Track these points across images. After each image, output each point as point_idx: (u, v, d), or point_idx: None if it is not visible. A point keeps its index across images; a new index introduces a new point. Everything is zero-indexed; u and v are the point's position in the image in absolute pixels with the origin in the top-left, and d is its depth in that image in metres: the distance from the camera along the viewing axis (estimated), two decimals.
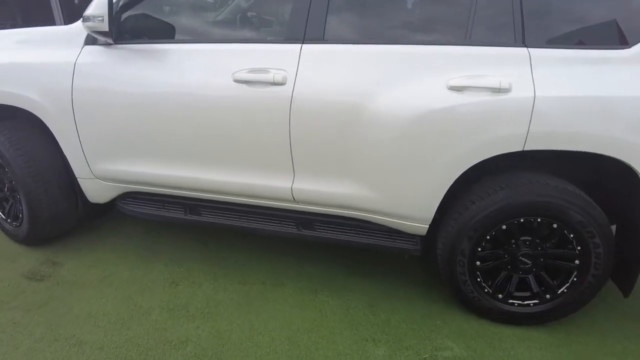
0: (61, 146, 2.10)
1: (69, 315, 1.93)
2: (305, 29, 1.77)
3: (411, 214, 1.86)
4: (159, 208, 2.19)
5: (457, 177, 1.74)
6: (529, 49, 1.63)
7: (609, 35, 1.62)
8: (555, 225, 1.75)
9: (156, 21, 1.92)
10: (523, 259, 1.84)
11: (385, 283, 2.20)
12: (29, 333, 1.82)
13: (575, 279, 1.83)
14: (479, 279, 1.90)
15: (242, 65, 1.79)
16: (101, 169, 2.12)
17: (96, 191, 2.22)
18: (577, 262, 1.80)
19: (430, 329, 1.91)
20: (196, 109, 1.86)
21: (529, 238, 1.82)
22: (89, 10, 1.71)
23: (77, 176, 2.18)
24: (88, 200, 2.28)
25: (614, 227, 1.90)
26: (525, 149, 1.64)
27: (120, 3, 1.88)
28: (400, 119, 1.69)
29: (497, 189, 1.75)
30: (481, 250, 1.85)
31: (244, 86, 1.79)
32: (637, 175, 1.62)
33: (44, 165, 2.16)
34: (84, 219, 2.52)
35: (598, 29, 1.64)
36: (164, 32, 1.95)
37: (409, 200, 1.83)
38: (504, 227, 1.79)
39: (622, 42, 1.59)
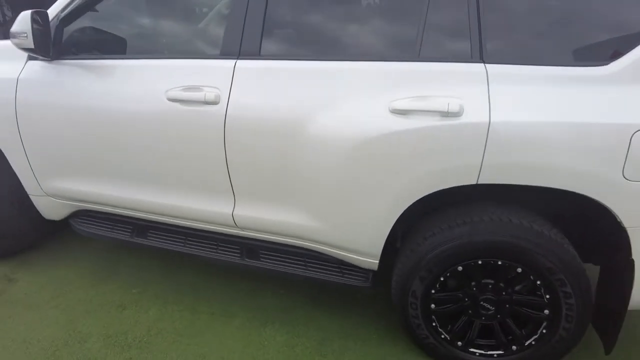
0: (10, 162, 2.05)
1: (5, 340, 1.87)
2: (241, 44, 1.62)
3: (356, 247, 1.68)
4: (109, 228, 2.10)
5: (402, 210, 1.54)
6: (487, 65, 1.41)
7: (584, 51, 1.38)
8: (519, 270, 1.51)
9: (96, 36, 1.84)
10: (485, 304, 1.61)
11: (347, 319, 2.02)
12: None
13: (544, 331, 1.58)
14: (434, 324, 1.68)
15: (175, 82, 1.67)
16: (50, 187, 2.06)
17: (48, 208, 2.17)
18: (546, 311, 1.55)
19: None
20: (130, 128, 1.76)
21: (492, 281, 1.59)
22: (14, 27, 1.64)
23: (28, 193, 2.13)
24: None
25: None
26: (480, 182, 1.42)
27: (60, 17, 1.80)
28: (338, 144, 1.51)
29: (453, 225, 1.53)
30: (435, 292, 1.63)
31: (178, 105, 1.67)
32: (614, 216, 1.37)
33: None
34: (45, 234, 2.49)
35: (570, 43, 1.40)
36: (104, 47, 1.86)
37: (353, 232, 1.64)
38: (459, 268, 1.56)
39: (598, 58, 1.34)
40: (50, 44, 1.77)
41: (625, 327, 1.91)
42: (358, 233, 1.64)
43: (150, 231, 2.06)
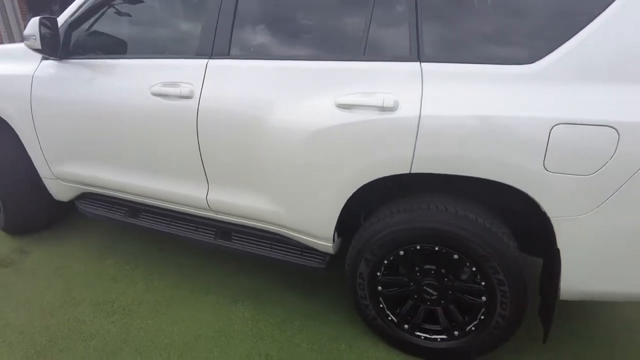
0: (26, 148, 2.35)
1: (12, 300, 2.15)
2: (213, 45, 1.83)
3: (309, 230, 1.82)
4: (107, 210, 2.36)
5: (348, 196, 1.68)
6: (422, 63, 1.53)
7: (511, 51, 1.48)
8: (456, 257, 1.61)
9: (97, 38, 2.10)
10: (428, 289, 1.72)
11: (313, 300, 2.16)
12: None
13: (482, 317, 1.67)
14: (381, 305, 1.80)
15: (158, 79, 1.89)
16: (58, 170, 2.34)
17: (57, 190, 2.45)
18: (483, 298, 1.64)
19: (330, 352, 1.85)
20: (120, 119, 2.00)
21: (434, 267, 1.69)
22: (25, 30, 1.92)
23: (41, 176, 2.43)
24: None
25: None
26: (413, 171, 1.54)
27: (69, 22, 2.08)
28: (292, 136, 1.68)
29: (394, 212, 1.66)
30: (381, 275, 1.75)
31: (160, 99, 1.89)
32: (538, 205, 1.45)
33: (16, 164, 2.43)
34: (57, 214, 2.79)
35: (499, 44, 1.50)
36: (103, 48, 2.12)
37: (307, 216, 1.79)
38: (401, 252, 1.68)
39: (523, 58, 1.44)
40: (58, 46, 2.06)
41: (566, 318, 1.98)
42: (311, 217, 1.79)
43: (142, 213, 2.30)
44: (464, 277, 1.68)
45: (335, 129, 1.60)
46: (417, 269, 1.72)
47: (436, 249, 1.63)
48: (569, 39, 1.37)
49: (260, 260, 2.32)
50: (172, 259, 2.52)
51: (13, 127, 2.33)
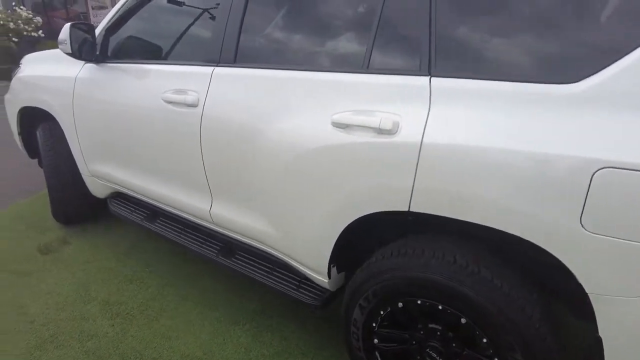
0: (69, 145, 2.49)
1: (36, 288, 2.27)
2: (221, 52, 1.72)
3: (304, 260, 1.63)
4: (130, 211, 2.40)
5: (341, 229, 1.45)
6: (432, 78, 1.25)
7: (548, 65, 1.14)
8: (463, 321, 1.30)
9: (125, 43, 2.14)
10: (432, 352, 1.42)
11: (316, 336, 1.96)
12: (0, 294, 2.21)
13: None
14: None
15: (170, 85, 1.85)
16: (93, 168, 2.44)
17: (93, 187, 2.56)
18: None
19: None
20: (139, 124, 2.00)
21: (439, 328, 1.39)
22: (60, 35, 2.01)
23: (80, 172, 2.55)
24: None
25: None
26: (412, 209, 1.27)
27: (106, 26, 2.15)
28: (284, 153, 1.51)
29: (392, 254, 1.39)
30: (377, 326, 1.49)
31: (170, 106, 1.84)
32: (564, 266, 1.10)
33: (62, 159, 2.59)
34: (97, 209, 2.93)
35: (534, 57, 1.17)
36: (130, 53, 2.15)
37: (299, 243, 1.61)
38: (400, 304, 1.41)
39: (564, 75, 1.09)
40: (94, 50, 2.13)
41: None
42: (303, 245, 1.59)
43: (160, 218, 2.28)
44: (473, 347, 1.34)
45: (328, 150, 1.39)
46: (420, 326, 1.42)
47: (439, 307, 1.32)
48: (628, 52, 1.00)
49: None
50: (190, 267, 2.49)
51: (60, 124, 2.47)
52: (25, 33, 10.05)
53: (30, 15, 10.26)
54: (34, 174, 3.92)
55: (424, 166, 1.21)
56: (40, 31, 10.36)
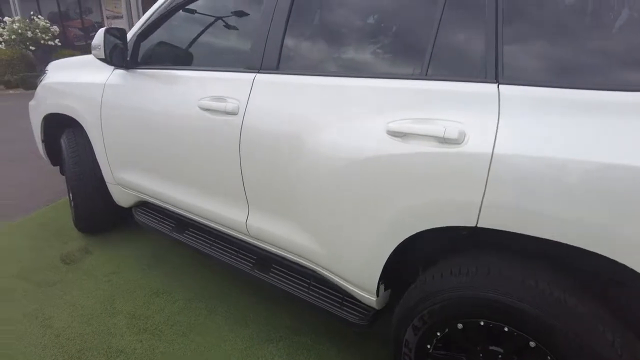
0: (95, 152, 2.43)
1: (60, 300, 2.19)
2: (263, 58, 1.66)
3: (351, 278, 1.54)
4: (157, 221, 2.32)
5: (395, 245, 1.36)
6: (501, 85, 1.18)
7: (635, 70, 1.06)
8: (532, 345, 1.20)
9: (157, 49, 2.09)
10: None
11: (354, 357, 1.86)
12: (24, 306, 2.14)
13: None
14: None
15: (207, 92, 1.79)
16: (119, 176, 2.38)
17: (119, 196, 2.50)
18: None
19: None
20: (171, 131, 1.93)
21: (501, 350, 1.29)
22: (93, 40, 1.96)
23: (105, 180, 2.49)
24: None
25: None
26: (480, 225, 1.18)
27: (137, 32, 2.10)
28: (332, 163, 1.43)
29: (452, 273, 1.30)
30: (432, 348, 1.39)
31: (207, 113, 1.78)
32: None
33: (87, 167, 2.53)
34: (120, 218, 2.86)
35: (616, 60, 1.09)
36: (162, 59, 2.10)
37: (346, 259, 1.52)
38: (459, 325, 1.31)
39: None
40: (125, 56, 2.08)
41: None
42: (350, 261, 1.50)
43: (189, 229, 2.21)
44: None
45: (383, 160, 1.31)
46: (479, 348, 1.33)
47: (505, 329, 1.23)
48: None
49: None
50: (216, 279, 2.40)
51: (86, 131, 2.42)
52: (42, 42, 10.16)
53: (48, 24, 10.38)
54: (55, 181, 3.89)
55: (496, 178, 1.13)
56: (57, 40, 10.48)
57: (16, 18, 10.26)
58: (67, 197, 3.24)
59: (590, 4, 1.13)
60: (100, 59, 2.01)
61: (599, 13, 1.12)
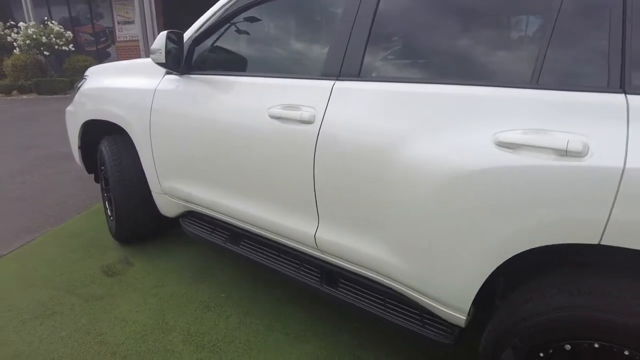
0: (141, 160, 2.36)
1: (110, 314, 2.11)
2: (342, 64, 1.59)
3: (439, 296, 1.46)
4: (209, 232, 2.25)
5: (499, 262, 1.28)
6: (629, 96, 1.11)
7: None
8: None
9: (216, 54, 2.02)
10: None
11: None
12: (74, 321, 2.06)
13: None
14: None
15: (277, 100, 1.72)
16: (167, 186, 2.30)
17: (165, 206, 2.42)
18: None
19: None
20: (235, 140, 1.85)
21: None
22: (153, 44, 1.89)
23: (151, 189, 2.42)
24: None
25: None
26: (603, 242, 1.10)
27: (193, 37, 2.03)
28: (431, 175, 1.34)
29: (555, 291, 1.23)
30: None
31: (278, 122, 1.70)
32: None
33: (130, 176, 2.46)
34: (162, 229, 2.79)
35: None
36: (222, 65, 2.03)
37: (438, 278, 1.43)
38: (567, 347, 1.23)
39: None
40: (181, 60, 2.01)
41: None
42: (443, 280, 1.42)
43: (244, 241, 2.13)
44: None
45: (491, 173, 1.24)
46: None
47: (626, 353, 1.15)
48: None
49: (360, 311, 2.01)
50: (268, 292, 2.32)
51: (132, 138, 2.35)
52: (57, 47, 10.13)
53: (62, 30, 10.36)
54: (85, 189, 3.82)
55: (627, 192, 1.05)
56: (71, 45, 10.45)
57: (31, 24, 10.24)
58: (102, 205, 3.18)
59: None
60: (160, 64, 1.94)
61: None
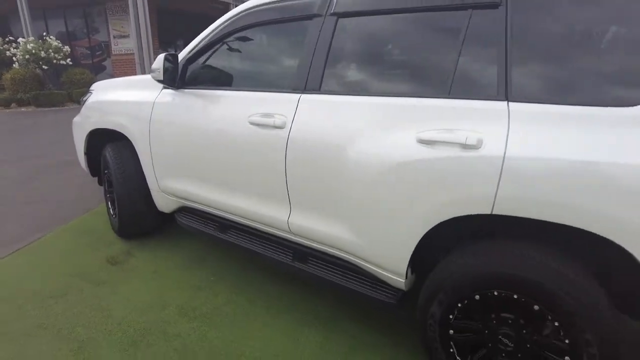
0: (141, 163, 2.73)
1: (115, 295, 2.46)
2: (307, 81, 1.98)
3: (384, 264, 1.83)
4: (201, 224, 2.61)
5: (423, 233, 1.66)
6: (510, 103, 1.50)
7: (612, 91, 1.38)
8: (536, 307, 1.50)
9: (206, 71, 2.41)
10: (504, 339, 1.61)
11: (381, 332, 2.14)
12: (84, 300, 2.40)
13: None
14: (451, 350, 1.71)
15: (256, 110, 2.10)
16: (164, 185, 2.67)
17: (162, 202, 2.78)
18: (567, 358, 1.48)
19: None
20: (221, 143, 2.23)
21: (512, 316, 1.59)
22: (153, 64, 2.28)
23: (150, 188, 2.78)
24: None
25: None
26: (494, 212, 1.49)
27: (186, 57, 2.42)
28: (371, 167, 1.73)
29: (471, 254, 1.60)
30: (454, 318, 1.68)
31: (256, 128, 2.08)
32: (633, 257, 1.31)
33: (132, 177, 2.82)
34: (159, 223, 3.14)
35: (597, 84, 1.41)
36: (210, 80, 2.41)
37: (381, 249, 1.81)
38: (476, 297, 1.61)
39: (622, 99, 1.34)
40: (176, 77, 2.39)
41: None
42: (384, 250, 1.80)
43: (230, 230, 2.50)
44: (545, 331, 1.53)
45: (415, 163, 1.62)
46: (493, 315, 1.62)
47: (515, 297, 1.53)
48: None
49: (335, 289, 2.37)
50: (253, 275, 2.68)
51: (134, 145, 2.72)
52: (55, 61, 10.51)
53: (60, 45, 10.75)
54: (89, 192, 4.17)
55: (507, 174, 1.43)
56: (69, 59, 10.83)
57: (30, 39, 10.62)
58: (105, 205, 3.52)
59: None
60: (158, 81, 2.32)
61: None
